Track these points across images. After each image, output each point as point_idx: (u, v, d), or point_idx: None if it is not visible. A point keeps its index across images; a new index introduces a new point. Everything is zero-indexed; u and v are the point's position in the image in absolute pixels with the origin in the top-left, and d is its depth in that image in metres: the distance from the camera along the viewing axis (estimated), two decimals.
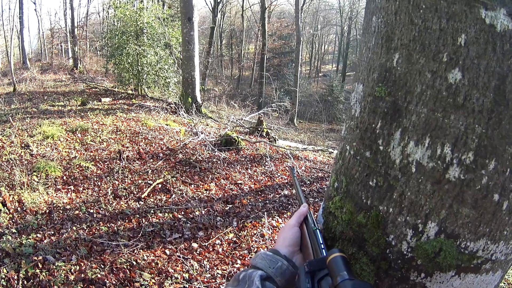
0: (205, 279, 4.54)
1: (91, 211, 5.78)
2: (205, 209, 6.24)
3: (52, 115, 10.94)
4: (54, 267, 4.29)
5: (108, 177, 6.98)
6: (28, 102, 13.28)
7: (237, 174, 7.99)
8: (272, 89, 32.57)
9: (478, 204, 0.92)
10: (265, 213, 6.27)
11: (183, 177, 7.36)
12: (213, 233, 5.56)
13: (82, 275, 4.21)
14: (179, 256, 4.89)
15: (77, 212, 5.69)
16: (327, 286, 0.95)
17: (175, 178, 7.23)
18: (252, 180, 7.87)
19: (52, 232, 5.10)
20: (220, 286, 4.45)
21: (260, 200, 6.96)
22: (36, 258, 4.37)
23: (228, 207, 6.48)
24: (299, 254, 1.17)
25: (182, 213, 6.03)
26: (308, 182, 8.28)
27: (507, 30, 0.81)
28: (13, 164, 6.77)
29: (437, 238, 0.96)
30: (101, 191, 6.46)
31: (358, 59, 1.21)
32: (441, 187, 0.93)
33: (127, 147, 8.58)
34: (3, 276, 4.01)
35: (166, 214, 5.94)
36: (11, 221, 5.22)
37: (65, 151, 7.96)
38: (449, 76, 0.88)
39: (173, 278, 4.44)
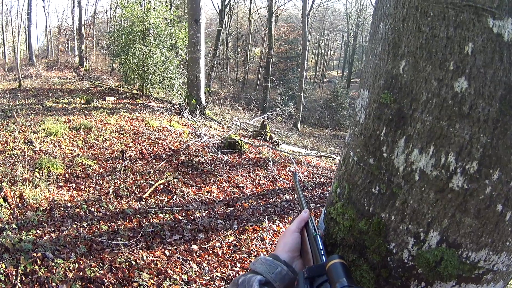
0: (204, 282, 4.53)
1: (92, 209, 5.78)
2: (206, 211, 6.24)
3: (56, 112, 10.98)
4: (53, 264, 4.29)
5: (110, 176, 6.98)
6: (33, 98, 13.33)
7: (239, 177, 7.99)
8: (277, 93, 32.57)
9: (481, 214, 0.91)
10: (266, 217, 6.26)
11: (185, 179, 7.36)
12: (213, 236, 5.55)
13: (81, 273, 4.21)
14: (178, 258, 4.88)
15: (78, 210, 5.69)
16: None
17: (177, 180, 7.23)
18: (254, 184, 7.86)
19: (52, 229, 5.10)
20: None
21: (261, 204, 6.95)
22: (35, 254, 4.37)
23: (229, 210, 6.47)
24: (299, 260, 1.16)
25: (183, 214, 6.03)
26: (310, 187, 8.26)
27: None
28: (16, 160, 6.79)
29: (438, 247, 0.96)
30: (102, 190, 6.46)
31: (364, 65, 1.21)
32: (444, 196, 0.93)
33: (130, 147, 8.59)
34: (2, 272, 4.01)
35: (167, 215, 5.94)
36: (11, 217, 5.22)
37: (68, 149, 7.98)
38: (455, 84, 0.87)
39: (172, 279, 4.43)
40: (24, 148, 7.61)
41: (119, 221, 5.55)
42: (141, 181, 6.94)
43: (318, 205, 7.25)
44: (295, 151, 11.68)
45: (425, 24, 0.92)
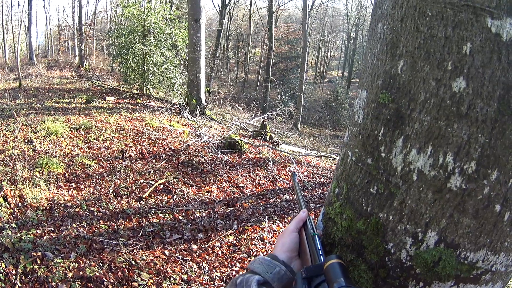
0: (204, 281, 4.53)
1: (92, 209, 5.78)
2: (206, 211, 6.24)
3: (57, 112, 10.98)
4: (52, 263, 4.29)
5: (110, 176, 6.98)
6: (33, 98, 13.34)
7: (239, 177, 7.99)
8: (277, 93, 32.56)
9: (479, 214, 0.91)
10: (266, 217, 6.26)
11: (185, 179, 7.36)
12: (213, 236, 5.55)
13: (81, 273, 4.21)
14: (178, 257, 4.89)
15: (77, 209, 5.69)
16: None
17: (177, 179, 7.23)
18: (254, 184, 7.86)
19: (52, 229, 5.10)
20: None
21: (261, 204, 6.95)
22: (35, 254, 4.37)
23: (229, 210, 6.48)
24: (297, 260, 1.16)
25: (183, 214, 6.03)
26: (310, 187, 8.27)
27: None
28: (16, 159, 6.79)
29: (436, 247, 0.96)
30: (102, 190, 6.46)
31: (363, 65, 1.21)
32: (442, 196, 0.93)
33: (130, 147, 8.59)
34: (2, 271, 4.01)
35: (167, 215, 5.94)
36: (11, 216, 5.23)
37: (68, 148, 7.98)
38: (454, 84, 0.87)
39: (172, 279, 4.43)
40: (24, 147, 7.61)
41: (119, 221, 5.55)
42: (141, 181, 6.94)
43: (318, 205, 7.25)
44: (295, 151, 11.68)
45: (424, 24, 0.92)
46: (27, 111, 10.63)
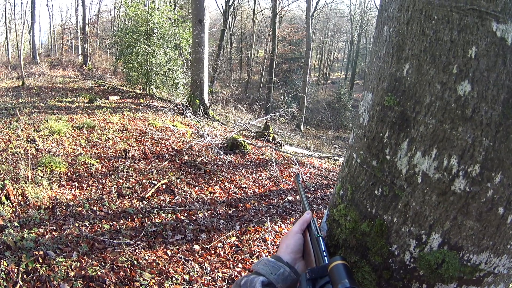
0: (206, 282, 4.53)
1: (94, 208, 5.80)
2: (209, 212, 6.24)
3: (59, 111, 11.01)
4: (54, 262, 4.31)
5: (112, 176, 7.00)
6: (36, 97, 13.37)
7: (242, 178, 7.99)
8: (280, 94, 32.58)
9: (482, 217, 0.92)
10: (269, 218, 6.26)
11: (188, 179, 7.37)
12: (215, 236, 5.56)
13: (82, 272, 4.22)
14: (180, 257, 4.89)
15: (80, 208, 5.70)
16: None
17: (179, 179, 7.24)
18: (257, 185, 7.86)
19: (54, 228, 5.12)
20: None
21: (264, 204, 6.95)
22: (37, 252, 4.38)
23: (231, 211, 6.48)
24: (301, 261, 1.17)
25: (185, 214, 6.04)
26: (313, 188, 8.27)
27: None
28: (18, 158, 6.82)
29: (440, 250, 0.96)
30: (105, 189, 6.48)
31: (368, 68, 1.21)
32: (446, 198, 0.93)
33: (133, 146, 8.61)
34: (3, 269, 4.03)
35: (169, 215, 5.95)
36: (13, 215, 5.24)
37: (71, 148, 8.00)
38: (459, 88, 0.88)
39: (174, 279, 4.44)
40: (27, 146, 7.63)
41: (121, 221, 5.57)
42: (144, 181, 6.95)
43: (320, 207, 7.25)
44: (298, 152, 11.70)
45: (429, 27, 0.92)
46: (30, 110, 10.66)
